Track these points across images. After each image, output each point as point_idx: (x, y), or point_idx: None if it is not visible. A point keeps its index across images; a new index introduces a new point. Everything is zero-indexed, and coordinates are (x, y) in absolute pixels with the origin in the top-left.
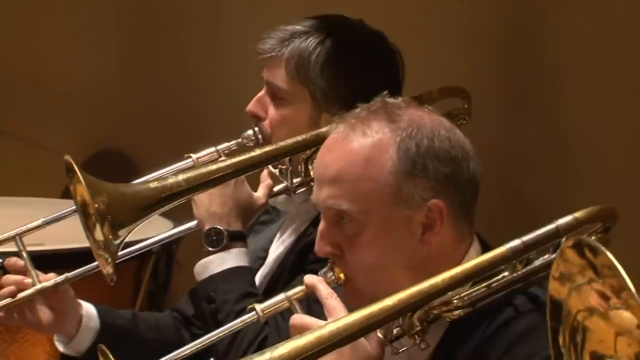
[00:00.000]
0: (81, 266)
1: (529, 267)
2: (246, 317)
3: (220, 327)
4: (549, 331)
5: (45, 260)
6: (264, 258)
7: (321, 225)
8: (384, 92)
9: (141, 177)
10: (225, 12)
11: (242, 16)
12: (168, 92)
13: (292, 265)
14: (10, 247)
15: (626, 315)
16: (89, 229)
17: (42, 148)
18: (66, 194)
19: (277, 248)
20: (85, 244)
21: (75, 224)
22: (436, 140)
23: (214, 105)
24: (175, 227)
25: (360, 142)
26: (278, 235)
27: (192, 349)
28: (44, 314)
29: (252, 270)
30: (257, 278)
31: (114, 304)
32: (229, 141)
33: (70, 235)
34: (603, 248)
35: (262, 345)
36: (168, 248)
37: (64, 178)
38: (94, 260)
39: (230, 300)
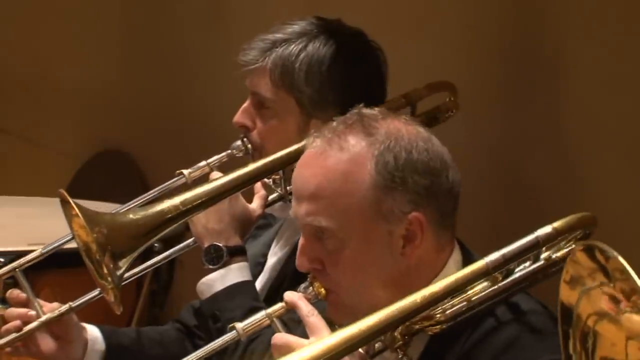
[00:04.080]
0: (81, 265)
1: (509, 278)
2: (227, 336)
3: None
4: (560, 335)
5: (45, 260)
6: (263, 263)
7: (301, 241)
8: (361, 105)
9: (143, 176)
10: (228, 12)
11: (244, 16)
12: (170, 92)
13: (292, 275)
14: (16, 247)
15: (637, 319)
16: (91, 261)
17: (44, 147)
18: (67, 194)
19: (275, 254)
20: None
21: None
22: (414, 152)
23: (215, 105)
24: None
25: (338, 157)
26: (275, 240)
27: None
28: (48, 343)
29: (254, 284)
30: (257, 285)
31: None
32: (218, 154)
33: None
34: (614, 252)
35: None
36: (170, 247)
37: (66, 177)
38: None
39: (235, 318)
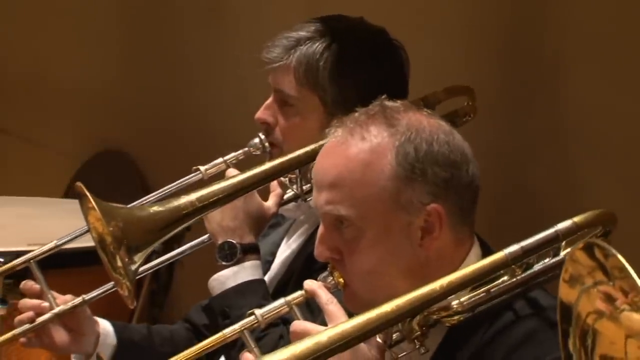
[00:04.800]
0: (83, 265)
1: (528, 272)
2: (245, 322)
3: (236, 342)
4: (559, 334)
5: (46, 260)
6: (271, 262)
7: (320, 230)
8: (384, 96)
9: (143, 176)
10: (228, 12)
11: (246, 15)
12: (170, 92)
13: (300, 271)
14: (16, 247)
15: (636, 318)
16: (106, 255)
17: (44, 147)
18: (67, 194)
19: (285, 251)
20: (87, 243)
21: (77, 223)
22: (435, 145)
23: (216, 104)
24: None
25: (359, 146)
26: (286, 238)
27: (191, 355)
28: (61, 335)
29: (266, 283)
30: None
31: (115, 303)
32: (235, 151)
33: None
34: (613, 250)
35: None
36: (170, 247)
37: (66, 177)
38: (97, 261)
39: (245, 316)
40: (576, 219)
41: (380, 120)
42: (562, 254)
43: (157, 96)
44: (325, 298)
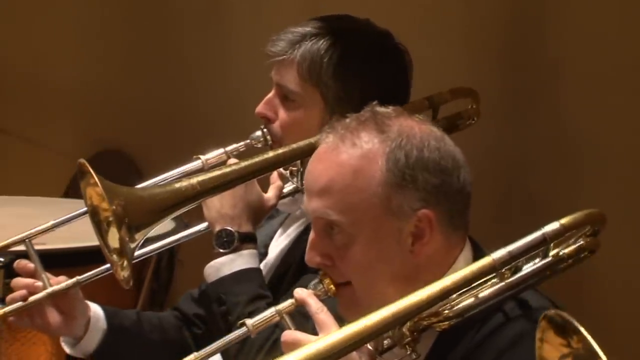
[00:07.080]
0: (84, 265)
1: (518, 275)
2: (237, 332)
3: (231, 329)
4: None
5: (47, 260)
6: (264, 254)
7: (311, 236)
8: (375, 102)
9: (142, 176)
10: (228, 11)
11: (244, 15)
12: (170, 92)
13: (297, 265)
14: (17, 247)
15: None
16: (101, 233)
17: (43, 147)
18: (67, 193)
19: (281, 243)
20: (88, 243)
21: (78, 223)
22: (426, 151)
23: (215, 104)
24: (177, 226)
25: (350, 152)
26: (281, 230)
27: None
28: (53, 316)
29: (262, 272)
30: None
31: (115, 302)
32: (237, 142)
33: (72, 234)
34: (575, 323)
35: (274, 347)
36: (170, 247)
37: (66, 177)
38: (98, 260)
39: (240, 303)
40: (563, 220)
41: (371, 127)
42: (551, 255)
43: (157, 96)
44: (315, 307)
